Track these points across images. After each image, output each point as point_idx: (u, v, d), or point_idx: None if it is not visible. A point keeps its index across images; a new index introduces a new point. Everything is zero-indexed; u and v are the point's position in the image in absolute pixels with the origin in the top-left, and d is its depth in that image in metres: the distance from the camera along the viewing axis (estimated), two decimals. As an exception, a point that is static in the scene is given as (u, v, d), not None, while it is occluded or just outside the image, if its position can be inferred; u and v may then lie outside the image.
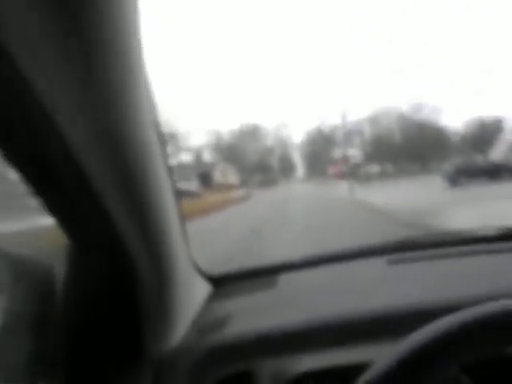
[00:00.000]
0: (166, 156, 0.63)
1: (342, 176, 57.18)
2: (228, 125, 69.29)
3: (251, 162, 68.13)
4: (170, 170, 0.66)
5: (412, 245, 1.12)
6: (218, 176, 55.09)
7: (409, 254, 1.04)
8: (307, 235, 8.04)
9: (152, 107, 0.56)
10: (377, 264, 1.01)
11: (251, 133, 69.74)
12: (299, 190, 35.36)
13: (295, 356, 0.68)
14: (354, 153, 73.10)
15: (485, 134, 52.68)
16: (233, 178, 57.82)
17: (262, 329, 0.74)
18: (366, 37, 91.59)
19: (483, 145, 50.45)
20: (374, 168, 51.05)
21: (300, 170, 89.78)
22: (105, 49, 0.39)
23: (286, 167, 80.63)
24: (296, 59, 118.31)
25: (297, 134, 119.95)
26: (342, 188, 29.14)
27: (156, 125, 0.58)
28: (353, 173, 59.27)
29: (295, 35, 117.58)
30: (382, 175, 42.67)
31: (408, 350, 0.40)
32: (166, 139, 0.64)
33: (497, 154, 45.99)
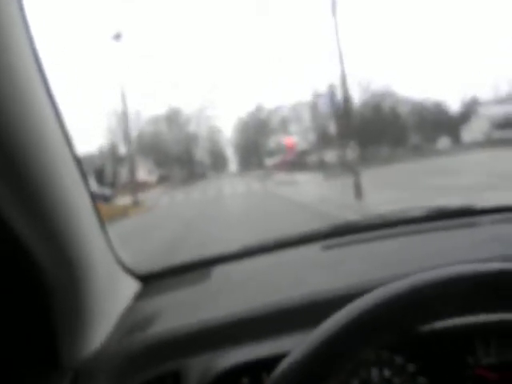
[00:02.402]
0: (71, 146, 0.58)
1: (286, 167, 47.48)
2: (136, 108, 54.81)
3: (172, 153, 55.10)
4: (79, 162, 0.61)
5: (346, 229, 1.13)
6: (123, 172, 42.27)
7: (343, 239, 1.05)
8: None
9: (49, 91, 0.52)
10: (312, 251, 1.02)
11: (170, 118, 56.60)
12: (233, 192, 20.61)
13: (224, 350, 0.65)
14: (295, 140, 64.42)
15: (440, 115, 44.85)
16: (145, 173, 44.99)
17: (188, 325, 0.71)
18: (304, 13, 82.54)
19: (449, 125, 42.52)
20: (328, 155, 40.63)
21: (233, 162, 79.53)
22: None
23: (216, 159, 68.83)
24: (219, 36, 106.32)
25: (226, 122, 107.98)
26: (308, 185, 17.80)
27: (57, 112, 0.54)
28: (300, 162, 50.09)
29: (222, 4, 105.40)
30: (342, 164, 31.85)
31: (316, 339, 0.39)
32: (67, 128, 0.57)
33: (474, 132, 38.27)
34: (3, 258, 0.51)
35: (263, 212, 10.50)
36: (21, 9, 0.45)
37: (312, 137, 63.24)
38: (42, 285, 0.54)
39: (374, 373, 0.61)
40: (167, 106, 57.61)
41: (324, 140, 38.65)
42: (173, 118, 56.42)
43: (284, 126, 64.45)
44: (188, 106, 79.79)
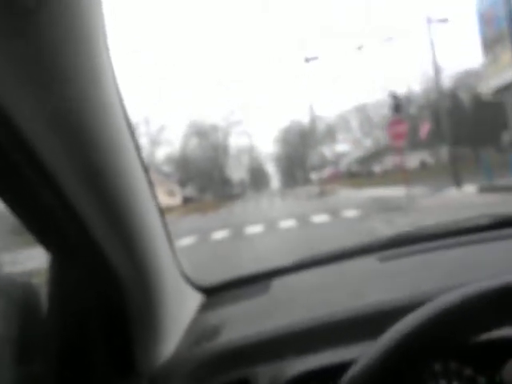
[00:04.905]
0: (145, 167, 0.63)
1: (336, 179, 37.14)
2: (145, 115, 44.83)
3: (198, 170, 45.32)
4: (150, 182, 0.66)
5: (403, 240, 1.10)
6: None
7: (401, 250, 1.03)
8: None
9: (125, 112, 0.55)
10: (369, 262, 1.01)
11: (191, 126, 47.03)
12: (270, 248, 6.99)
13: (290, 359, 0.68)
14: (345, 147, 54.54)
15: None
16: (164, 196, 35.39)
17: (255, 335, 0.74)
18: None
19: None
20: (413, 160, 28.76)
21: (274, 178, 69.73)
22: (63, 46, 0.38)
23: (254, 175, 58.71)
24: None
25: (265, 136, 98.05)
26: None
27: (132, 133, 0.57)
28: (358, 172, 38.99)
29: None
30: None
31: (386, 343, 0.42)
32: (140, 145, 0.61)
33: None
34: (88, 275, 0.58)
35: None
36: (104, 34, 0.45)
37: (369, 143, 53.35)
38: (119, 298, 0.60)
39: None
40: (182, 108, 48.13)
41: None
42: (193, 125, 46.77)
43: (331, 134, 54.49)
44: (210, 116, 70.16)
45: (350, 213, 10.09)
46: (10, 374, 0.52)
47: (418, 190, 12.32)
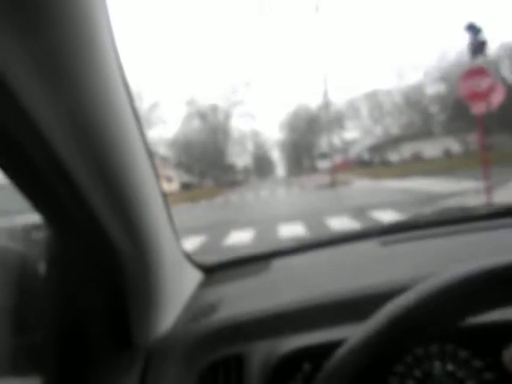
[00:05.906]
0: (146, 142, 0.63)
1: (346, 168, 34.16)
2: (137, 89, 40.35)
3: (198, 153, 42.09)
4: (151, 156, 0.66)
5: (406, 226, 1.13)
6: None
7: (403, 235, 1.05)
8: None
9: (129, 93, 0.57)
10: (370, 246, 1.03)
11: (196, 112, 43.63)
12: None
13: (285, 336, 0.70)
14: (354, 135, 51.68)
15: None
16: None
17: (252, 312, 0.76)
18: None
19: None
20: (431, 149, 25.38)
21: (280, 166, 66.52)
22: (72, 41, 0.40)
23: (259, 161, 55.43)
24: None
25: (270, 121, 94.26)
26: None
27: (134, 110, 0.58)
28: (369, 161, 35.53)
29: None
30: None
31: (372, 327, 0.42)
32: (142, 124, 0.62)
33: None
34: (88, 248, 0.59)
35: None
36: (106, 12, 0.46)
37: (379, 130, 50.24)
38: (118, 273, 0.61)
39: (437, 366, 0.62)
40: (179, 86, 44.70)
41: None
42: (191, 104, 43.30)
43: (340, 121, 51.26)
44: (209, 94, 65.53)
45: (386, 215, 6.67)
46: (7, 346, 0.52)
47: (465, 184, 9.10)
